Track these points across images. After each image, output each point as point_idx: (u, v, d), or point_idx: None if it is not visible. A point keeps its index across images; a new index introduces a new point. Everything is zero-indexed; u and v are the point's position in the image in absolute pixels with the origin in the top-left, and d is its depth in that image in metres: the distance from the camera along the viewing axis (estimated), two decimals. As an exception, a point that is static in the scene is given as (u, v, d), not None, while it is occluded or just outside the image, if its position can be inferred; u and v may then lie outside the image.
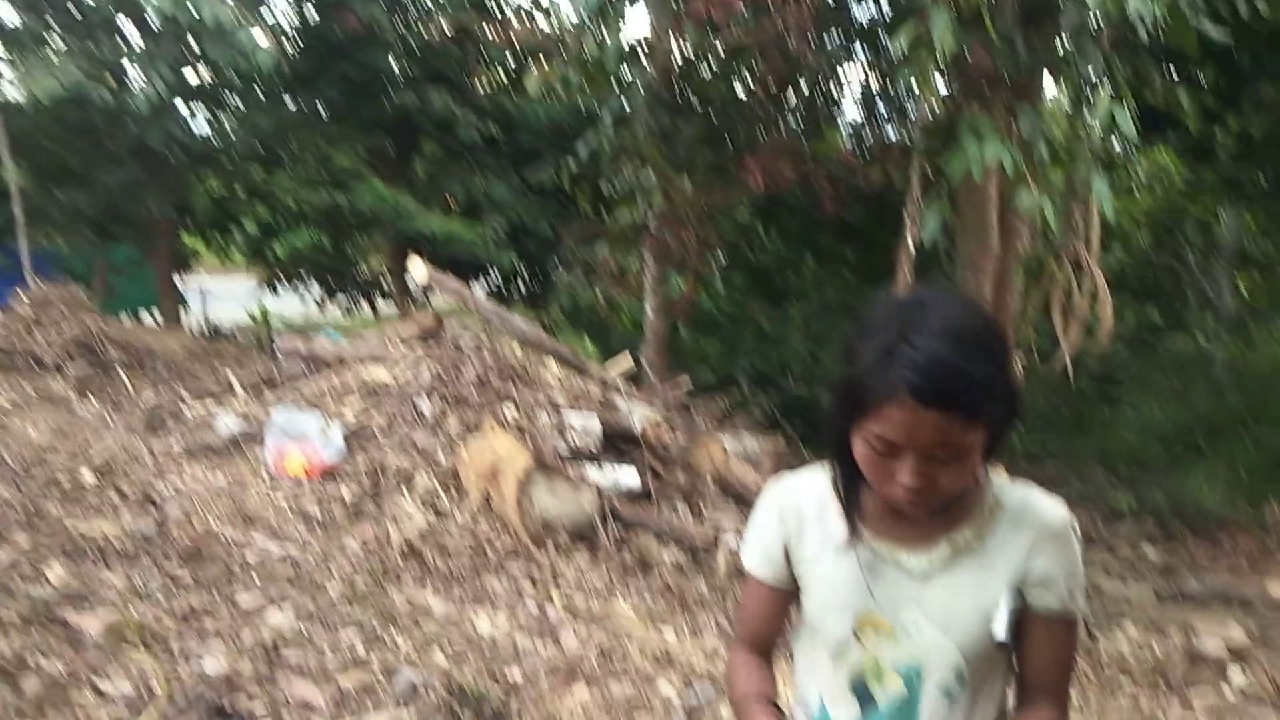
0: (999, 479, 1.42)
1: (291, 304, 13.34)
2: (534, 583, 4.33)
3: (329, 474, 5.06)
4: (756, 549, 1.52)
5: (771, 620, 1.53)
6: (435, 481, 4.92)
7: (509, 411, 5.40)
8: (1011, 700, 1.45)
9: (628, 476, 5.56)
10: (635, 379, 8.03)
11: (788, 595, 1.50)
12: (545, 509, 4.90)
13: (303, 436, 5.27)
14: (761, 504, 1.53)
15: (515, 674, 3.42)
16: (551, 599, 4.18)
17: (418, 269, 6.52)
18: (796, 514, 1.47)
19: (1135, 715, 4.21)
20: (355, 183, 9.82)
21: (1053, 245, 6.39)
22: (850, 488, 1.38)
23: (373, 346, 6.47)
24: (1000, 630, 1.33)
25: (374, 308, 12.25)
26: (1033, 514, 1.38)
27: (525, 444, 5.13)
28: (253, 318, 12.77)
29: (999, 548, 1.37)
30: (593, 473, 5.41)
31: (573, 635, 3.88)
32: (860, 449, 1.28)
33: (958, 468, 1.25)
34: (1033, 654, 1.39)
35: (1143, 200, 12.05)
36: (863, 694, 1.41)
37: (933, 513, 1.34)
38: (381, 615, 3.68)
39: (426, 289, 10.98)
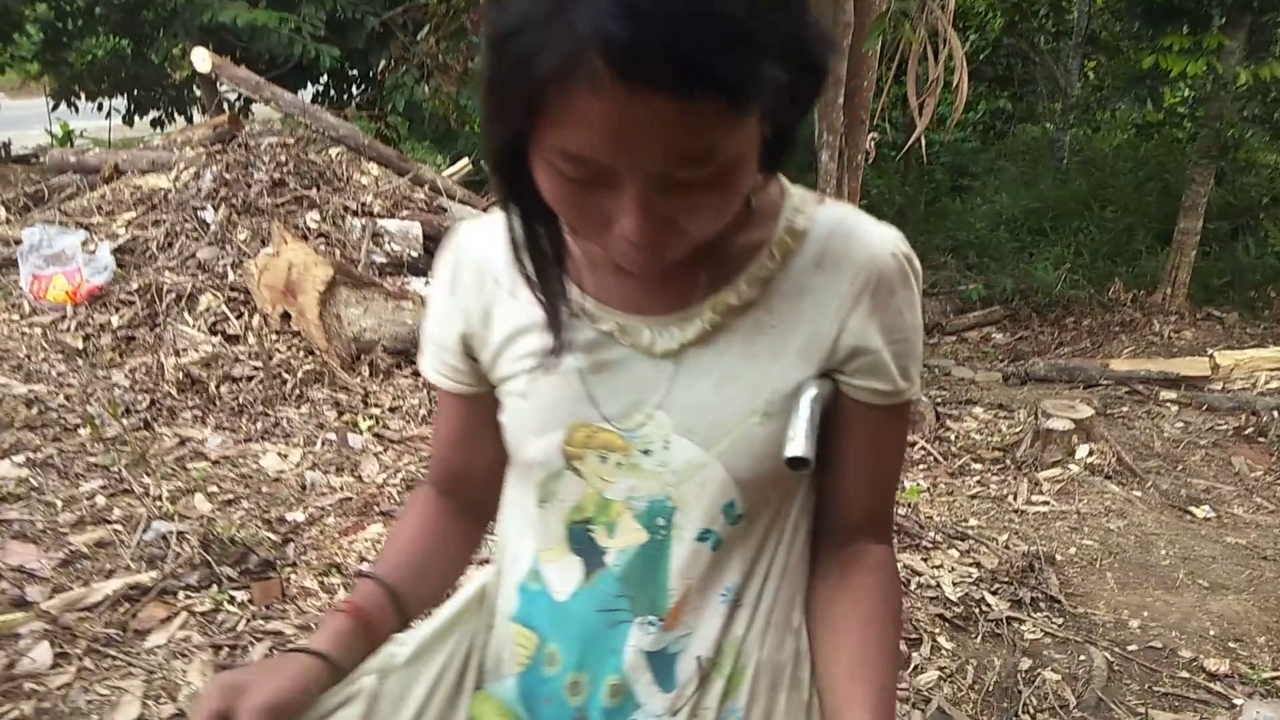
0: (797, 196, 0.83)
1: (99, 123, 11.68)
2: (339, 410, 3.71)
3: (97, 299, 4.23)
4: (431, 343, 0.92)
5: (468, 446, 0.95)
6: (223, 302, 4.16)
7: (311, 218, 4.60)
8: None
9: (457, 286, 4.90)
10: (476, 184, 7.23)
11: (489, 407, 0.91)
12: (358, 327, 4.23)
13: (63, 258, 4.39)
14: (435, 273, 0.92)
15: (298, 515, 2.85)
16: (358, 427, 3.58)
17: (201, 59, 5.46)
18: (479, 283, 0.86)
19: (984, 496, 3.97)
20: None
21: (909, 17, 5.75)
22: (539, 242, 0.77)
23: (156, 154, 5.47)
24: (799, 443, 0.79)
25: (189, 119, 10.79)
26: (851, 248, 0.80)
27: (330, 254, 4.38)
28: (54, 138, 11.15)
29: (796, 307, 0.80)
30: (417, 284, 4.73)
31: (376, 465, 3.31)
32: (545, 179, 0.66)
33: (715, 197, 0.66)
34: (847, 465, 0.85)
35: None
36: (585, 548, 0.86)
37: (680, 266, 0.76)
38: (137, 459, 3.02)
39: (246, 99, 9.66)
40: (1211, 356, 5.77)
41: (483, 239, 0.87)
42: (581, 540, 0.85)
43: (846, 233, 0.80)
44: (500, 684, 0.91)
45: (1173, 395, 5.43)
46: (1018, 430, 4.66)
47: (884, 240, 0.80)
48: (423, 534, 0.94)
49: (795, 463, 0.78)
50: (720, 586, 0.83)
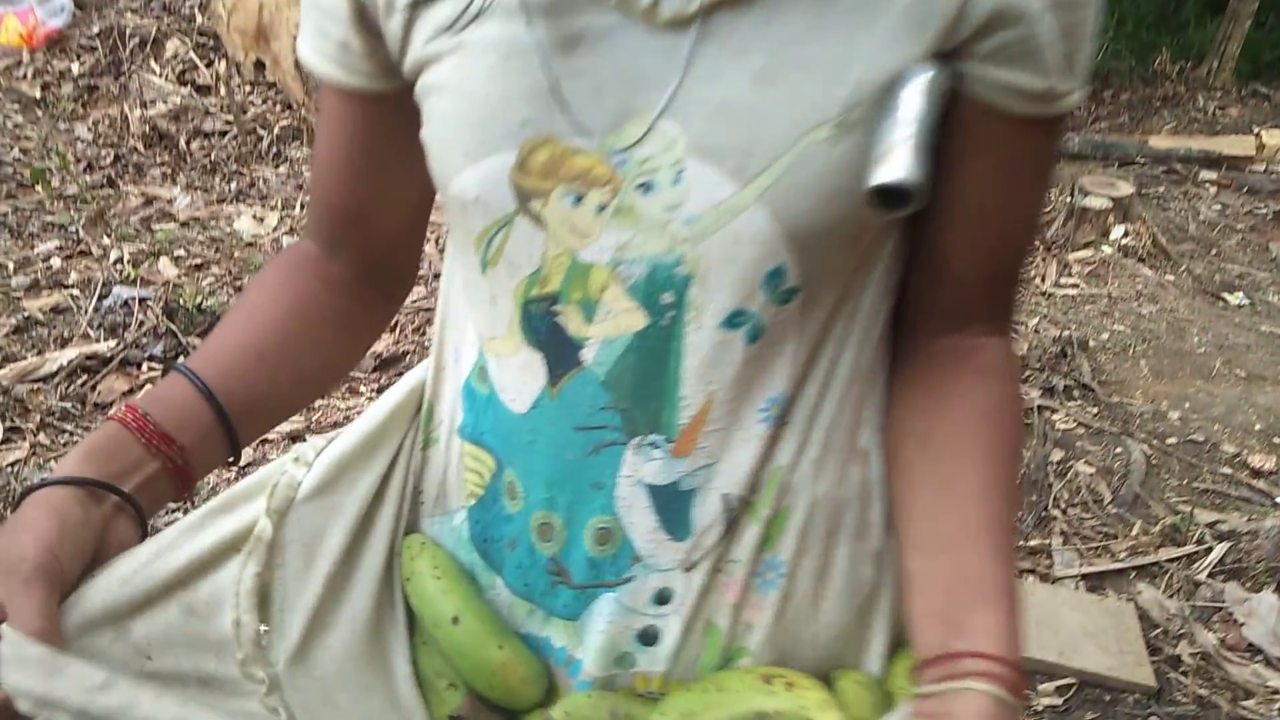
0: None
1: None
2: (321, 169, 3.35)
3: (55, 43, 3.76)
4: (312, 9, 0.58)
5: (368, 176, 0.61)
6: (190, 48, 3.69)
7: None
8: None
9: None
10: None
11: (401, 115, 0.57)
12: (341, 80, 3.78)
13: (13, -3, 3.88)
14: None
15: (273, 282, 2.56)
16: (341, 187, 3.23)
17: None
18: None
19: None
20: None
21: None
22: None
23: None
24: (902, 162, 0.45)
25: None
26: None
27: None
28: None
29: None
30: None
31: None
32: None
33: None
34: (963, 212, 0.53)
35: None
36: (550, 338, 0.54)
37: None
38: (97, 220, 2.70)
39: None
40: (1258, 135, 5.31)
41: None
42: (543, 327, 0.54)
43: None
44: (445, 519, 0.63)
45: (1212, 176, 5.02)
46: (1049, 210, 4.29)
47: None
48: (279, 312, 0.62)
49: (890, 196, 0.46)
50: (759, 397, 0.53)
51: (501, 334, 0.56)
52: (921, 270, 0.57)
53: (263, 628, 0.54)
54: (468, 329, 0.60)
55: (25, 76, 3.61)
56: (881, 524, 0.58)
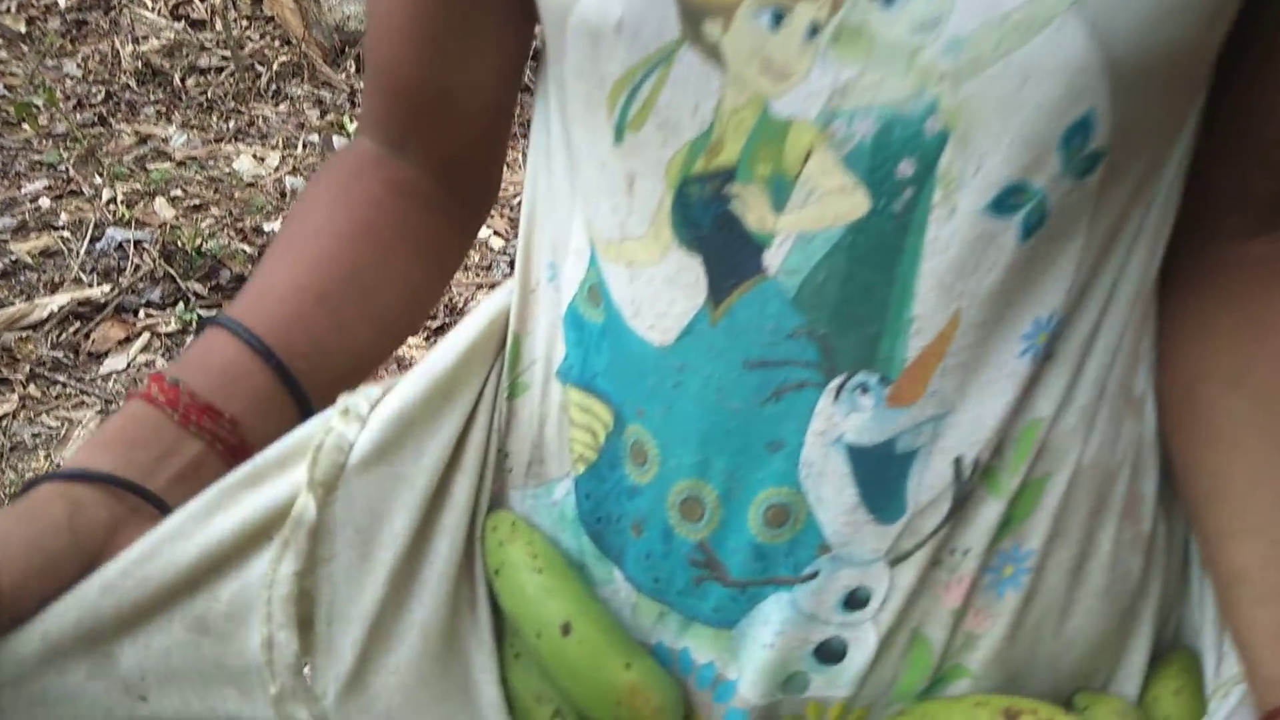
0: None
1: None
2: (322, 109, 3.14)
3: (38, -23, 3.53)
4: None
5: (445, 37, 0.43)
6: (183, -19, 3.45)
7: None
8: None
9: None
10: None
11: None
12: (340, 14, 3.55)
13: (-7, -74, 3.62)
14: None
15: (275, 225, 2.38)
16: (344, 128, 3.02)
17: None
18: None
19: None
20: None
21: None
22: None
23: None
24: None
25: None
26: None
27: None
28: None
29: None
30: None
31: (368, 171, 2.79)
32: None
33: None
34: None
35: None
36: (715, 234, 0.36)
37: None
38: (88, 158, 2.50)
39: None
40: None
41: None
42: (708, 217, 0.36)
43: None
44: (542, 492, 0.47)
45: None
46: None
47: None
48: (339, 233, 0.46)
49: None
50: (1024, 318, 0.36)
51: (639, 233, 0.38)
52: (1228, 142, 0.40)
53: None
54: (571, 232, 0.43)
55: (9, 10, 3.38)
56: (1154, 497, 0.42)
